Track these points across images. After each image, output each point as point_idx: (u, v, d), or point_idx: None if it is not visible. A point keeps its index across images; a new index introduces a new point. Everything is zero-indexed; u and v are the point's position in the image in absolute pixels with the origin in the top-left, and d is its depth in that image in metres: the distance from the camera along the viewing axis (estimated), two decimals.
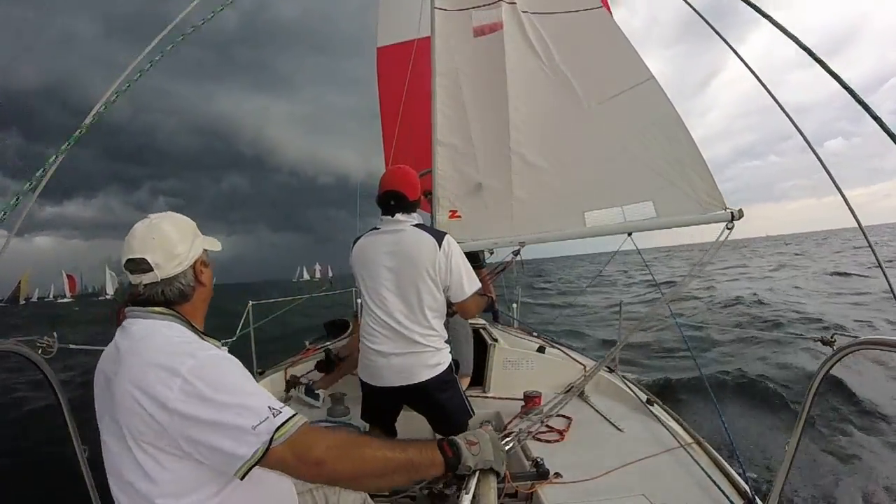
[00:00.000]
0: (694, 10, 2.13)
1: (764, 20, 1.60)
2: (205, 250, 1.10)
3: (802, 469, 3.93)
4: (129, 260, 0.99)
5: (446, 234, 1.89)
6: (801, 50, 1.48)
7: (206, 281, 1.08)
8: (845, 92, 1.41)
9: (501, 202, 2.66)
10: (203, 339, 1.00)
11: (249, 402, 0.85)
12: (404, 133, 4.22)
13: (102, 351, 1.01)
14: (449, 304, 1.93)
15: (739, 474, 1.81)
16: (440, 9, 2.77)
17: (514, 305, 5.26)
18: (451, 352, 1.94)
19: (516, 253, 2.68)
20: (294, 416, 0.88)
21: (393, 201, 1.88)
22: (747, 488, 1.70)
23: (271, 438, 0.83)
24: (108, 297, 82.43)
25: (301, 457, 0.86)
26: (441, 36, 2.76)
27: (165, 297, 1.01)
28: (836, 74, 1.44)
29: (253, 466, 0.83)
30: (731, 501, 1.64)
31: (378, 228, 1.93)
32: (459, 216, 2.70)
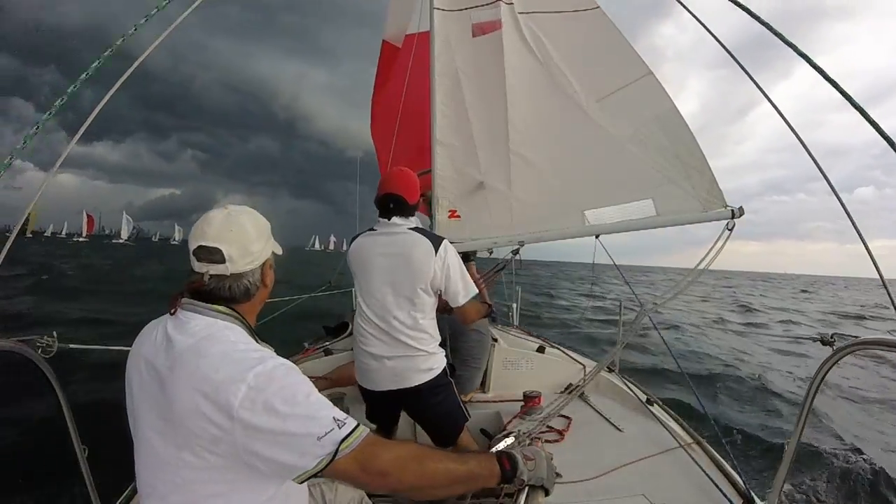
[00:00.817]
0: (725, 49, 2.06)
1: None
2: (273, 253, 1.10)
3: (803, 469, 3.94)
4: (201, 247, 0.96)
5: (444, 238, 1.87)
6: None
7: (270, 283, 1.09)
8: (882, 140, 1.36)
9: (501, 202, 2.65)
10: (260, 344, 0.98)
11: (315, 412, 0.85)
12: (402, 133, 4.20)
13: (102, 350, 0.99)
14: (448, 305, 1.91)
15: (739, 474, 1.81)
16: (439, 9, 2.77)
17: (514, 305, 5.24)
18: (446, 355, 1.92)
19: (515, 252, 2.67)
20: (357, 426, 0.88)
21: (392, 204, 1.86)
22: (747, 488, 1.70)
23: (337, 450, 0.83)
24: (121, 241, 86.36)
25: (366, 468, 0.86)
26: (440, 36, 2.76)
27: (231, 294, 0.99)
28: (872, 119, 1.39)
29: (315, 475, 0.84)
30: (730, 501, 1.63)
31: (375, 229, 1.92)
32: (459, 216, 2.70)
